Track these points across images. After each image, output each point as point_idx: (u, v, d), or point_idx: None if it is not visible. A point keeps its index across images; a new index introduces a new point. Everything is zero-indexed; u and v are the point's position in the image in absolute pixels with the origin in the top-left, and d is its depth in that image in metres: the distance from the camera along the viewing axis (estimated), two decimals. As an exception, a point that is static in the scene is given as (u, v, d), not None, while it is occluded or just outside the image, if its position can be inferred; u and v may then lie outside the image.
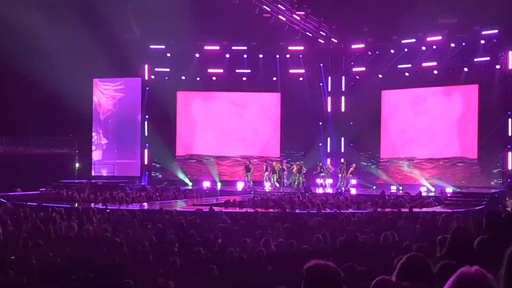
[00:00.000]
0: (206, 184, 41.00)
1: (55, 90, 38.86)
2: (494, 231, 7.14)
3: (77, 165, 43.87)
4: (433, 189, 37.16)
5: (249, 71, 42.83)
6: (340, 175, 38.73)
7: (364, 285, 5.04)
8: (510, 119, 36.05)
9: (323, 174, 39.20)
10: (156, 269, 11.78)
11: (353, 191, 37.31)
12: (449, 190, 35.22)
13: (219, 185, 40.82)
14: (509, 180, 35.15)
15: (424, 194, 34.13)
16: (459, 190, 34.39)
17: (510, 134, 36.14)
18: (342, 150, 41.77)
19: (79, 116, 42.59)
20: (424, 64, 38.76)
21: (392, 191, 37.11)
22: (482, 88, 37.42)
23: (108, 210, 25.04)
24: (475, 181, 37.31)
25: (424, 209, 25.92)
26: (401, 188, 38.32)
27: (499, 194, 32.15)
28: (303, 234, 17.45)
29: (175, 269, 11.56)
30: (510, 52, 36.04)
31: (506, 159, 36.11)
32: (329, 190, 37.72)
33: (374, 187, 38.12)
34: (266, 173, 39.26)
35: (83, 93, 43.16)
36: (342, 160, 39.69)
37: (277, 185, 38.62)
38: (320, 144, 42.01)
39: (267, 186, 38.90)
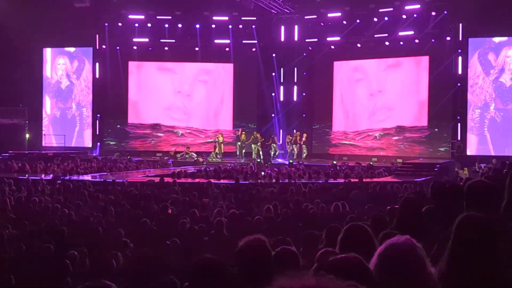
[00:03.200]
0: (158, 155, 40.84)
1: (4, 59, 38.23)
2: (439, 201, 7.27)
3: (27, 136, 43.27)
4: (383, 160, 37.51)
5: (201, 41, 42.47)
6: (294, 146, 38.81)
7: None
8: (459, 91, 36.55)
9: (275, 145, 39.33)
10: (106, 240, 11.75)
11: (305, 162, 37.43)
12: (399, 160, 35.64)
13: (171, 156, 40.57)
14: (456, 150, 35.77)
15: (374, 164, 34.40)
16: (409, 161, 34.78)
17: (459, 105, 36.67)
18: (294, 121, 41.81)
19: (29, 86, 42.03)
20: (376, 35, 38.91)
21: (343, 162, 37.36)
22: (433, 60, 37.79)
23: (58, 181, 24.79)
24: (425, 152, 37.86)
25: (374, 179, 26.22)
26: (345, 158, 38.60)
27: (448, 164, 32.67)
28: (254, 205, 17.57)
29: (125, 240, 11.53)
30: (460, 24, 36.42)
31: (456, 129, 36.68)
32: (281, 161, 37.95)
33: (335, 161, 37.93)
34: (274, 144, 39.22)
35: (33, 63, 42.64)
36: (295, 131, 39.78)
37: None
38: (273, 115, 42.09)
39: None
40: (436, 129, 37.36)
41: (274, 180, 25.14)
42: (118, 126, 43.33)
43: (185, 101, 43.61)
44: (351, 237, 4.33)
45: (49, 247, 10.71)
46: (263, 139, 38.99)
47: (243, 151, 39.04)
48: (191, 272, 4.06)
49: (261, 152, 38.35)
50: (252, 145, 38.53)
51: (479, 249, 3.64)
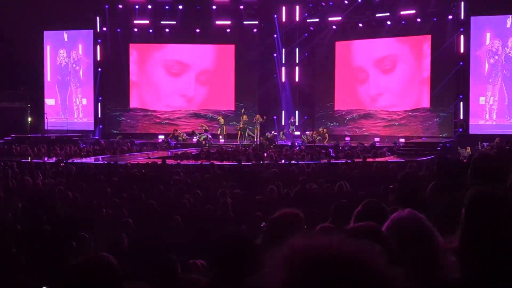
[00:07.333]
0: (161, 137, 40.77)
1: (4, 43, 38.18)
2: (445, 178, 7.23)
3: (29, 119, 43.23)
4: (386, 140, 37.48)
5: (202, 23, 42.29)
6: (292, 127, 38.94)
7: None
8: (461, 70, 36.47)
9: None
10: (110, 222, 11.74)
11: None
12: (402, 140, 35.60)
13: (173, 138, 40.51)
14: (460, 129, 35.70)
15: (377, 144, 34.39)
16: (411, 140, 34.75)
17: (461, 84, 36.59)
18: (297, 102, 41.75)
19: (31, 69, 42.00)
20: (377, 15, 38.73)
21: (346, 141, 37.35)
22: (435, 39, 37.63)
23: (62, 164, 24.79)
24: (428, 131, 37.80)
25: (377, 159, 26.20)
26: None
27: (451, 143, 32.62)
28: (258, 186, 17.54)
29: (129, 222, 11.52)
30: (461, 2, 36.23)
31: (458, 109, 36.61)
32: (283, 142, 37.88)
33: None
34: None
35: (34, 46, 42.57)
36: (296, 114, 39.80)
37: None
38: (275, 96, 41.95)
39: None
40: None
41: (280, 161, 25.10)
42: (120, 109, 43.30)
43: (187, 83, 43.49)
44: (367, 212, 4.31)
45: (51, 229, 10.71)
46: (263, 119, 38.52)
47: (246, 132, 38.93)
48: (220, 246, 4.07)
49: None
50: (253, 127, 38.25)
51: (495, 225, 3.59)
